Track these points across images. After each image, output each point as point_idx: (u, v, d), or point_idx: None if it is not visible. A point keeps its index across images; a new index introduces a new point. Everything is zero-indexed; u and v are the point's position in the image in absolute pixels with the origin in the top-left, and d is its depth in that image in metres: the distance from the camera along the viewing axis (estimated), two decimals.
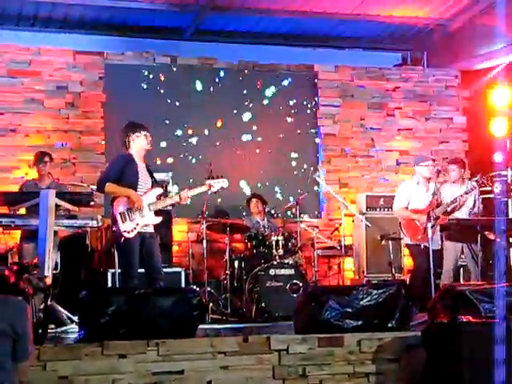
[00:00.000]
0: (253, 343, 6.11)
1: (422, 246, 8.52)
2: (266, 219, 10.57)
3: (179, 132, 11.36)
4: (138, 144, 7.51)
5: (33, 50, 10.76)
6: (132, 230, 7.26)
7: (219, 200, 10.81)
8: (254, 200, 10.60)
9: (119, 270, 7.83)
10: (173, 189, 10.20)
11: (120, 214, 7.27)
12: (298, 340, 6.19)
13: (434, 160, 8.83)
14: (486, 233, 8.73)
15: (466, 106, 12.51)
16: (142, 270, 7.39)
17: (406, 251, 10.26)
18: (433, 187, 8.74)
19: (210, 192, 7.80)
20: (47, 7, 10.50)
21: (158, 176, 9.04)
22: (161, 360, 5.86)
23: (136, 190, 7.37)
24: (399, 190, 9.27)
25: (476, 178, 9.28)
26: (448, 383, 5.77)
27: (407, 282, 9.51)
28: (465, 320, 5.90)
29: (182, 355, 5.92)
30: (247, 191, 11.25)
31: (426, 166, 8.87)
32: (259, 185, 11.39)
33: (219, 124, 11.50)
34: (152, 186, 7.56)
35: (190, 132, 11.40)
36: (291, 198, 10.98)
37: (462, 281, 9.53)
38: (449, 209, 8.76)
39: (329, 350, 6.20)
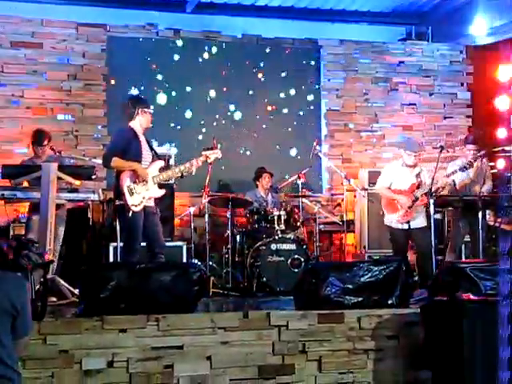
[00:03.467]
0: (253, 319, 6.14)
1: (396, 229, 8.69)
2: (270, 194, 10.55)
3: (181, 106, 11.31)
4: (143, 119, 7.62)
5: (36, 21, 10.68)
6: (139, 204, 7.33)
7: (222, 173, 10.78)
8: (265, 175, 10.55)
9: (121, 244, 7.83)
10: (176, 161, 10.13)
11: (127, 187, 7.30)
12: (298, 316, 6.23)
13: (442, 148, 8.76)
14: (487, 218, 8.77)
15: (470, 81, 12.44)
16: (143, 244, 7.44)
17: None
18: (417, 170, 8.80)
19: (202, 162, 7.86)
20: None
21: (160, 150, 9.06)
22: (161, 335, 5.90)
23: (140, 164, 7.42)
24: (384, 170, 9.38)
25: (479, 154, 9.25)
26: (446, 360, 5.79)
27: (411, 257, 9.59)
28: (464, 297, 5.92)
29: (181, 330, 5.96)
30: (251, 165, 11.16)
31: (409, 156, 8.89)
32: (261, 158, 11.34)
33: (222, 97, 11.45)
34: (153, 159, 7.59)
35: (194, 106, 11.35)
36: (293, 173, 10.92)
37: (463, 258, 9.54)
38: (433, 189, 8.73)
39: (329, 326, 6.24)
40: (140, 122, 7.59)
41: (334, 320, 6.25)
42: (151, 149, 7.69)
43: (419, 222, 8.77)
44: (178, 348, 5.92)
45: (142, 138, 7.59)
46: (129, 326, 5.83)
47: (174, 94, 11.26)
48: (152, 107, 7.84)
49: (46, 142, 8.54)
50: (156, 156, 7.72)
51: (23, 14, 10.66)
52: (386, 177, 9.17)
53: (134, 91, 10.84)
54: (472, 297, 5.99)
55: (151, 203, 7.53)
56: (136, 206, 7.30)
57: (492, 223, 8.97)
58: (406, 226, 8.78)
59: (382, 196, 9.20)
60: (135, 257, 7.27)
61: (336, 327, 6.24)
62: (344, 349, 6.24)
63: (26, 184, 7.75)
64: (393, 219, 8.88)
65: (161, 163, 7.66)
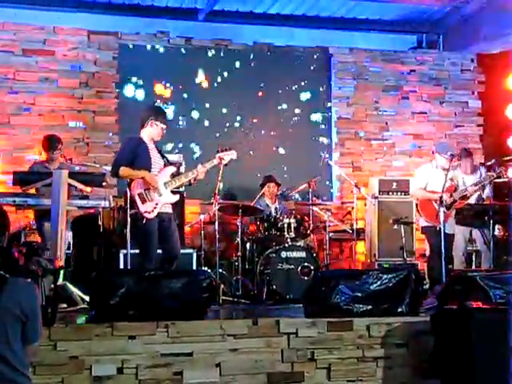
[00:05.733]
0: (262, 326, 6.13)
1: (438, 228, 8.54)
2: (276, 202, 10.55)
3: (193, 114, 11.34)
4: (153, 131, 7.62)
5: (48, 29, 10.76)
6: (152, 210, 7.35)
7: (232, 181, 10.79)
8: (270, 184, 10.55)
9: (137, 251, 7.81)
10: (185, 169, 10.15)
11: (138, 195, 7.33)
12: (308, 324, 6.21)
13: (453, 156, 8.74)
14: (497, 232, 8.78)
15: (481, 89, 12.43)
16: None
17: (418, 235, 10.27)
18: (451, 173, 8.75)
19: (220, 165, 7.98)
20: None
21: (171, 157, 9.08)
22: (170, 342, 5.89)
23: (150, 171, 7.43)
24: (418, 173, 9.35)
25: (490, 163, 9.26)
26: (456, 369, 5.78)
27: (422, 266, 9.59)
28: (474, 306, 5.90)
29: (191, 337, 5.94)
30: (259, 173, 11.18)
31: (446, 160, 8.84)
32: (271, 166, 11.35)
33: (233, 105, 11.47)
34: (165, 166, 7.62)
35: (204, 114, 11.38)
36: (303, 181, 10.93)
37: (473, 266, 9.53)
38: (467, 193, 8.80)
39: (338, 334, 6.21)
40: (149, 133, 7.61)
41: (343, 328, 6.23)
42: (162, 156, 7.71)
43: (451, 228, 8.71)
44: (188, 355, 5.91)
45: (151, 146, 7.61)
46: (138, 332, 5.83)
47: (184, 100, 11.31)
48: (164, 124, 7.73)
49: (60, 146, 8.68)
50: (167, 162, 7.75)
51: (35, 21, 10.73)
52: (420, 179, 9.17)
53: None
54: (481, 305, 5.97)
55: (168, 209, 7.56)
56: (149, 212, 7.32)
57: (501, 236, 8.98)
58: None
59: (418, 198, 9.17)
60: (152, 264, 7.28)
61: (345, 335, 6.22)
62: (353, 356, 6.21)
63: (32, 191, 7.79)
64: (430, 218, 8.81)
65: (172, 169, 7.70)
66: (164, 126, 7.65)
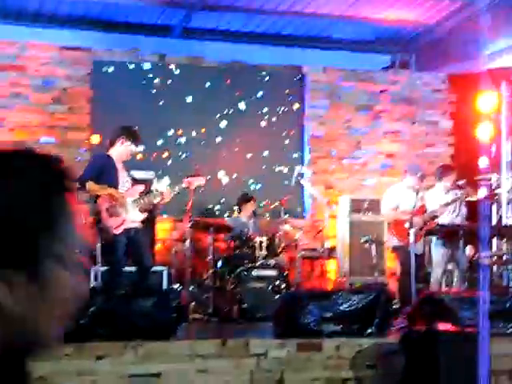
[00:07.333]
0: (232, 347, 6.13)
1: (408, 248, 8.58)
2: (252, 220, 10.54)
3: (167, 131, 11.32)
4: (121, 151, 7.61)
5: (19, 44, 10.70)
6: (119, 226, 7.30)
7: (204, 198, 10.78)
8: (251, 202, 10.53)
9: (106, 268, 7.77)
10: (159, 185, 10.12)
11: (105, 209, 7.29)
12: (277, 344, 6.21)
13: (423, 177, 8.82)
14: (467, 252, 8.85)
15: (452, 110, 12.52)
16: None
17: (389, 254, 10.30)
18: (421, 194, 8.82)
19: (188, 189, 8.03)
20: (36, 2, 10.44)
21: (141, 175, 9.08)
22: (139, 362, 5.87)
23: (116, 189, 7.42)
24: (388, 193, 9.40)
25: (460, 183, 9.33)
26: None
27: (392, 286, 9.61)
28: (441, 329, 5.94)
29: (160, 358, 5.93)
30: (235, 190, 11.19)
31: (416, 180, 8.92)
32: (244, 184, 11.36)
33: (206, 123, 11.47)
34: (132, 185, 7.61)
35: (178, 131, 11.37)
36: (275, 198, 10.95)
37: (443, 286, 9.57)
38: (438, 214, 8.87)
39: (307, 354, 6.22)
40: (118, 152, 7.59)
41: (313, 349, 6.24)
42: (132, 178, 7.71)
43: (420, 248, 8.78)
44: (156, 376, 5.89)
45: (120, 166, 7.60)
46: (107, 352, 5.81)
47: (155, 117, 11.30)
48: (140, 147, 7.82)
49: None
50: (135, 181, 7.75)
51: (7, 36, 10.67)
52: (391, 199, 9.24)
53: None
54: (450, 327, 6.01)
55: (135, 224, 7.53)
56: (115, 228, 7.28)
57: (472, 256, 9.05)
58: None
59: (390, 219, 9.21)
60: (120, 278, 7.24)
61: (315, 356, 6.23)
62: (322, 377, 6.22)
63: None
64: (403, 238, 8.83)
65: (140, 188, 7.66)
66: (134, 149, 7.64)
